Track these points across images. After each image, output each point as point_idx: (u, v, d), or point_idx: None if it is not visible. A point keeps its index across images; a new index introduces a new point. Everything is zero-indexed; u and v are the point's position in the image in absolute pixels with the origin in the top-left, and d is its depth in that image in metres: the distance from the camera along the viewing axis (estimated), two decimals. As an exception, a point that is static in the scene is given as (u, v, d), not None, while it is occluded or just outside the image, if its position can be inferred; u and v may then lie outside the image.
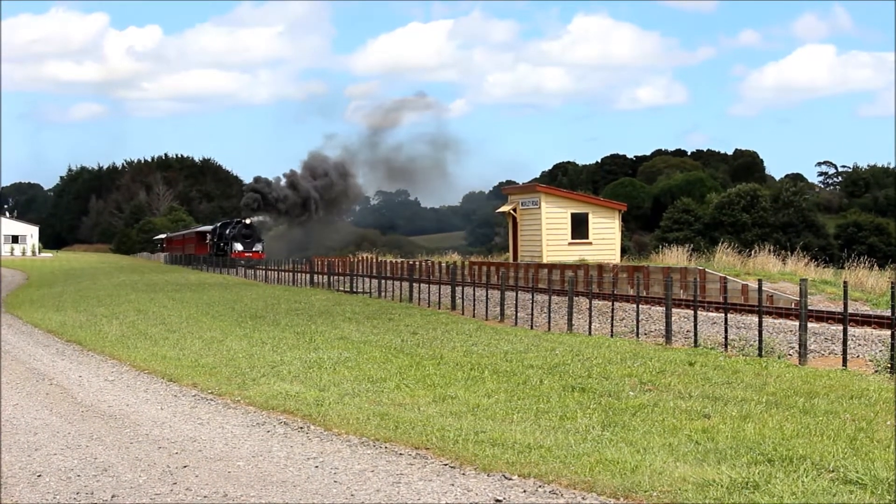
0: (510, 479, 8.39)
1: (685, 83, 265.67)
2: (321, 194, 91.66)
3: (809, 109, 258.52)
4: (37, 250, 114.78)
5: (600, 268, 34.80)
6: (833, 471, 8.20)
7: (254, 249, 70.37)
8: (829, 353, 17.15)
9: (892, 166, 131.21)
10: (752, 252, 40.99)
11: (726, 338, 17.61)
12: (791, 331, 18.64)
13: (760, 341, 16.42)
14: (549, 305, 22.51)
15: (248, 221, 73.65)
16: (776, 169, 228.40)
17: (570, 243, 43.03)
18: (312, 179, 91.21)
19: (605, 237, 43.53)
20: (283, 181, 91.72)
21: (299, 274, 45.64)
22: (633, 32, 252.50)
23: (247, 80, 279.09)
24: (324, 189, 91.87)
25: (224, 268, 62.15)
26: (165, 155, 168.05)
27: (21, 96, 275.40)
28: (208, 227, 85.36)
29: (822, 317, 20.56)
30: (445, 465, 8.99)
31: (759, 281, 18.60)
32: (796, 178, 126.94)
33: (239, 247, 70.17)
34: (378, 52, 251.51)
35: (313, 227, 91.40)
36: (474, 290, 27.70)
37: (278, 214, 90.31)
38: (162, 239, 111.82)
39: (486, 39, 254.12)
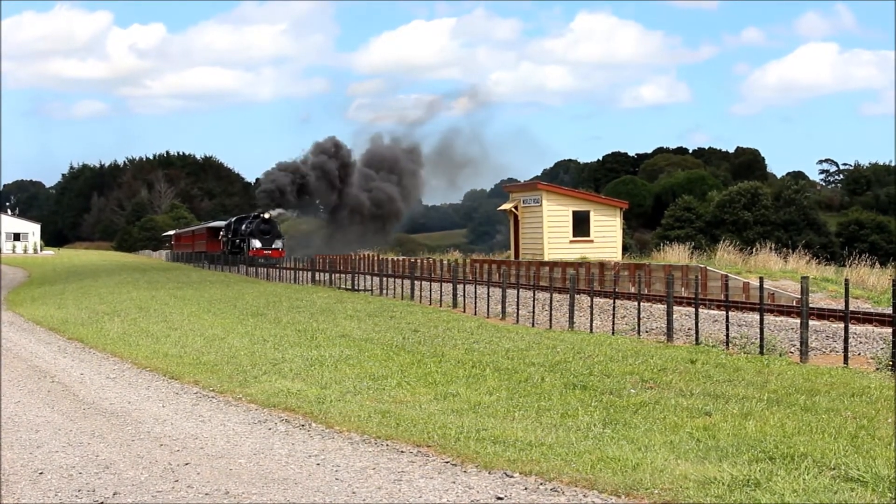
0: (511, 477, 8.39)
1: (688, 81, 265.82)
2: (401, 194, 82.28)
3: (811, 108, 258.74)
4: (38, 248, 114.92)
5: (602, 265, 34.81)
6: (834, 468, 8.21)
7: (274, 246, 64.27)
8: (831, 351, 17.14)
9: (893, 164, 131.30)
10: (754, 250, 40.97)
11: (727, 335, 17.60)
12: (792, 328, 18.64)
13: (762, 339, 16.42)
14: (551, 303, 22.50)
15: (266, 216, 66.92)
16: (778, 167, 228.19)
17: (571, 241, 43.03)
18: (389, 174, 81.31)
19: (607, 235, 43.54)
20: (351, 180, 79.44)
21: (301, 272, 45.64)
22: (636, 31, 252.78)
23: (250, 78, 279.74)
24: (403, 189, 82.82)
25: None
26: (167, 152, 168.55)
27: (25, 93, 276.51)
28: (221, 223, 79.70)
29: (823, 314, 20.55)
30: (447, 462, 8.99)
31: (761, 279, 18.60)
32: (798, 176, 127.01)
33: (257, 243, 64.09)
34: (381, 51, 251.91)
35: (391, 230, 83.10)
36: (476, 287, 27.68)
37: (341, 219, 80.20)
38: (170, 236, 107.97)
39: (490, 38, 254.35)
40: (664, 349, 16.51)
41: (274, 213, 70.29)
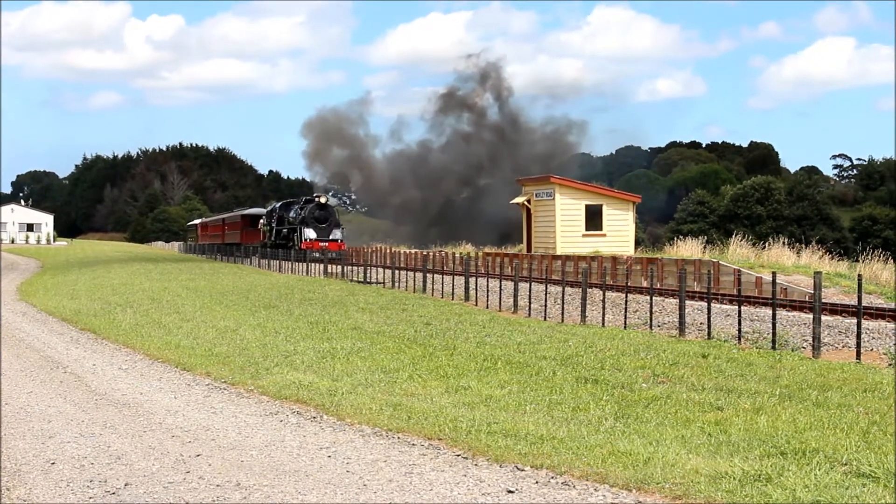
0: (522, 470, 8.39)
1: (704, 76, 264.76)
2: None
3: (827, 102, 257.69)
4: (51, 238, 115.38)
5: (614, 259, 34.74)
6: (846, 464, 8.18)
7: (332, 237, 53.99)
8: (843, 347, 17.08)
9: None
10: (767, 245, 40.84)
11: (740, 330, 17.56)
12: (805, 324, 18.58)
13: (774, 334, 16.37)
14: (563, 297, 22.46)
15: (322, 200, 55.82)
16: (791, 162, 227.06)
17: (584, 235, 42.96)
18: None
19: (620, 229, 43.44)
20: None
21: (313, 264, 45.67)
22: (653, 24, 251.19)
23: (266, 69, 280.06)
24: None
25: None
26: (180, 144, 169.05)
27: (41, 84, 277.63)
28: (259, 209, 69.32)
29: (836, 310, 20.50)
30: (458, 455, 9.00)
31: (774, 273, 18.54)
32: (811, 171, 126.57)
33: (311, 234, 53.76)
34: (397, 43, 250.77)
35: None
36: (488, 280, 27.66)
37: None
38: (194, 225, 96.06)
39: (506, 30, 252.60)
40: (676, 343, 16.48)
41: (331, 199, 60.28)
